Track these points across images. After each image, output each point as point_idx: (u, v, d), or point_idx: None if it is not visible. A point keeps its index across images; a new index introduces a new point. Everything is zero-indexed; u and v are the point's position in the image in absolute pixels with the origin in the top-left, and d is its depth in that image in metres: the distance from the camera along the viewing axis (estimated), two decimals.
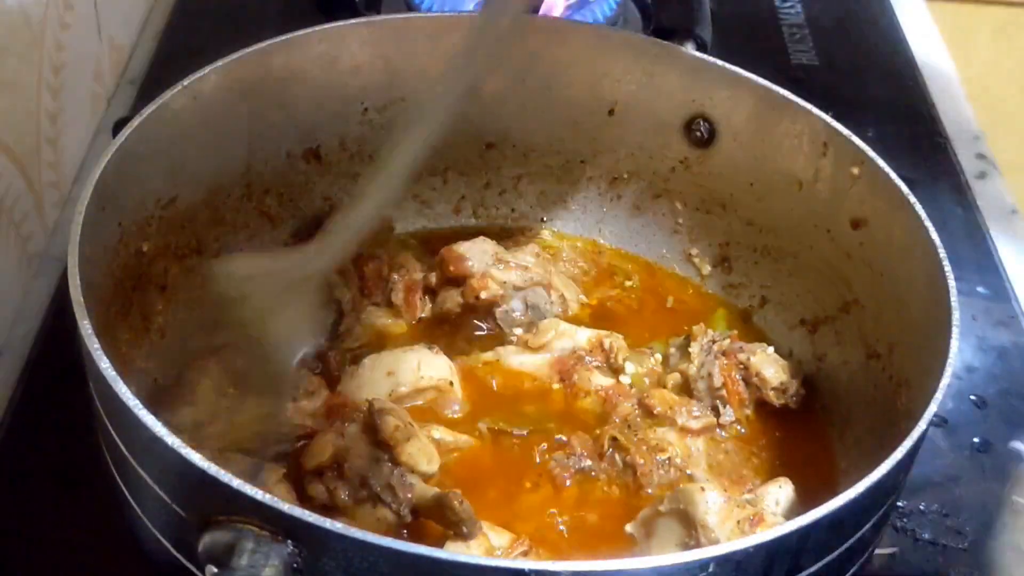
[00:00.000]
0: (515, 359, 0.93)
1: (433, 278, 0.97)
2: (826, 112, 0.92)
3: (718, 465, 0.87)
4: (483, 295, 0.95)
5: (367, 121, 1.00)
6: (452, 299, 0.96)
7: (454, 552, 0.70)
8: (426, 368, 0.89)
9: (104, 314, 0.79)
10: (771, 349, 0.93)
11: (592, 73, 1.00)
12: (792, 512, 0.80)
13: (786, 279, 0.99)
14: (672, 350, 0.95)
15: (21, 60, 1.02)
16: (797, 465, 0.87)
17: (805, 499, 0.81)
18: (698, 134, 1.00)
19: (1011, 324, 1.10)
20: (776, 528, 0.64)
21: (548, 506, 0.83)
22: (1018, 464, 0.97)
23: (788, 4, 1.51)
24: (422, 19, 1.06)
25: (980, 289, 1.13)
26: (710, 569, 0.61)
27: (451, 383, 0.89)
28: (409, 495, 0.77)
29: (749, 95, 0.96)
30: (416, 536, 0.76)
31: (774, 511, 0.79)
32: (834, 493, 0.64)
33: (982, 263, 1.16)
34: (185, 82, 0.86)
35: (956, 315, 0.76)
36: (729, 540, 0.73)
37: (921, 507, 0.91)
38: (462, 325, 0.96)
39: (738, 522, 0.76)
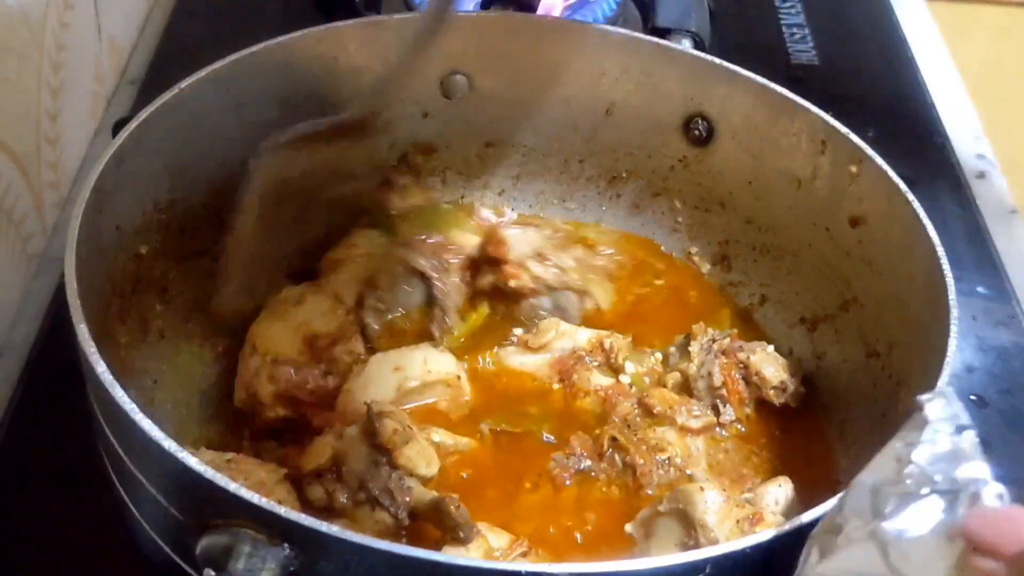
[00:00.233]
0: (515, 359, 0.93)
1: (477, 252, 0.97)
2: (826, 112, 0.92)
3: (718, 464, 0.87)
4: (512, 283, 0.95)
5: None
6: (487, 278, 0.96)
7: (451, 555, 0.70)
8: (433, 363, 0.89)
9: (103, 316, 0.79)
10: (771, 348, 0.93)
11: (590, 72, 1.00)
12: (792, 511, 0.80)
13: (785, 277, 0.99)
14: (672, 349, 0.94)
15: (21, 60, 1.02)
16: (797, 464, 0.87)
17: (805, 498, 0.81)
18: (697, 133, 1.00)
19: (1011, 324, 1.10)
20: (776, 527, 0.65)
21: (548, 506, 0.83)
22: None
23: (788, 4, 1.51)
24: None
25: (980, 289, 1.13)
26: (707, 570, 0.61)
27: (458, 376, 0.90)
28: (407, 499, 0.77)
29: (747, 94, 0.95)
30: (414, 539, 0.76)
31: (773, 510, 0.79)
32: (834, 492, 0.63)
33: (982, 263, 1.16)
34: (184, 83, 0.86)
35: (955, 314, 0.76)
36: (728, 539, 0.73)
37: None
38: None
39: (737, 521, 0.76)
